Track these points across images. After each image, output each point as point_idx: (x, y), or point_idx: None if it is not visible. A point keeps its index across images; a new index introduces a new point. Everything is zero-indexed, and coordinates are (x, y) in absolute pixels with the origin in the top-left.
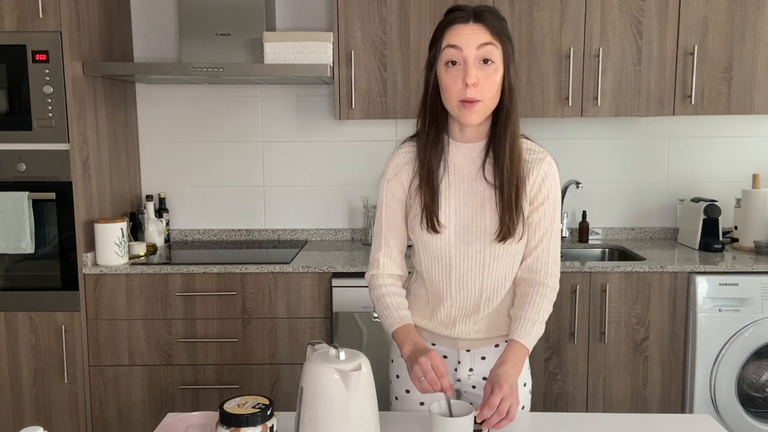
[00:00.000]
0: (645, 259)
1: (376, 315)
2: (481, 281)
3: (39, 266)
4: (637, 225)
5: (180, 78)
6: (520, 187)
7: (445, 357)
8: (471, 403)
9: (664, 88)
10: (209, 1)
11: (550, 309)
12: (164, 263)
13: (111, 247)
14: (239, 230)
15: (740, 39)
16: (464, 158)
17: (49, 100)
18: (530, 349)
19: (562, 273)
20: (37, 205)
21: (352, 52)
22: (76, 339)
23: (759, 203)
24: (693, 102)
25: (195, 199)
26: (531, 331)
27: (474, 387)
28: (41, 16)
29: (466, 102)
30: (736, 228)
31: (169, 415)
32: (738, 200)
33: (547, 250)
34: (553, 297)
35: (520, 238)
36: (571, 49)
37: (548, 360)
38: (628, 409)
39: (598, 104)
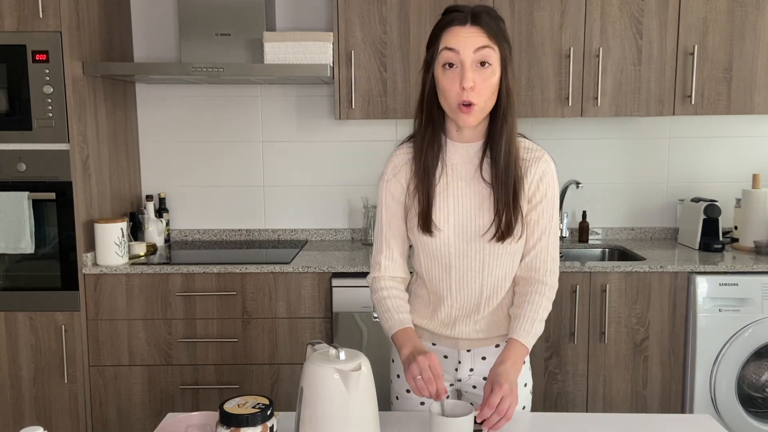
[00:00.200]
0: (645, 259)
1: (376, 315)
2: (481, 280)
3: (39, 266)
4: (637, 225)
5: (180, 78)
6: (518, 186)
7: (445, 357)
8: (471, 404)
9: (664, 88)
10: (209, 1)
11: (550, 307)
12: (164, 263)
13: (111, 247)
14: (239, 230)
15: (740, 39)
16: (462, 158)
17: (49, 100)
18: (530, 348)
19: (562, 273)
20: (37, 205)
21: (352, 52)
22: (76, 339)
23: (759, 203)
24: (693, 102)
25: (195, 199)
26: (530, 330)
27: (474, 387)
28: (41, 16)
29: (463, 105)
30: (736, 228)
31: (169, 415)
32: (738, 200)
33: (546, 248)
34: (553, 295)
35: (519, 237)
36: (571, 49)
37: (548, 360)
38: (628, 409)
39: (598, 104)
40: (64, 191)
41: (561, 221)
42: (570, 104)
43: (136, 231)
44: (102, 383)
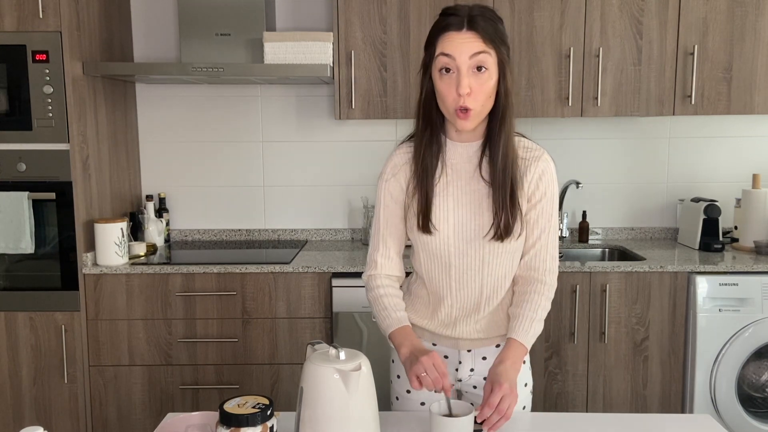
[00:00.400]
0: (645, 259)
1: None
2: (481, 280)
3: (39, 266)
4: (637, 225)
5: (180, 78)
6: (516, 186)
7: (446, 357)
8: (472, 404)
9: (664, 88)
10: (209, 1)
11: (549, 307)
12: (164, 263)
13: (111, 247)
14: (239, 230)
15: (740, 39)
16: (461, 157)
17: (49, 100)
18: (529, 348)
19: (562, 273)
20: (37, 205)
21: (352, 52)
22: (76, 339)
23: (759, 203)
24: (693, 102)
25: (195, 199)
26: (529, 330)
27: (475, 387)
28: (41, 16)
29: (460, 111)
30: (736, 228)
31: (169, 415)
32: (738, 200)
33: (545, 247)
34: (552, 294)
35: (519, 236)
36: (571, 49)
37: (548, 360)
38: (628, 409)
39: (598, 104)
40: (64, 191)
41: (561, 221)
42: (570, 104)
43: (136, 231)
44: (102, 383)
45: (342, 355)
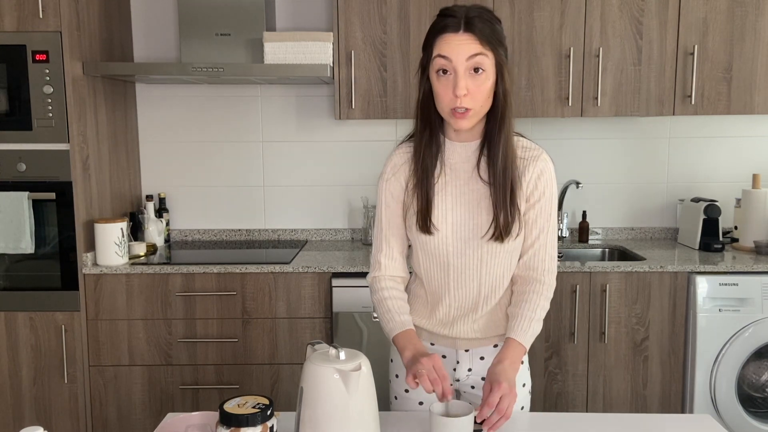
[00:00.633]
0: (645, 259)
1: (376, 316)
2: (479, 279)
3: (39, 266)
4: (637, 225)
5: (180, 78)
6: (515, 186)
7: (444, 357)
8: (470, 404)
9: (664, 88)
10: (209, 1)
11: (547, 306)
12: (164, 263)
13: (111, 247)
14: (239, 230)
15: (740, 39)
16: (460, 157)
17: (49, 100)
18: (527, 348)
19: (562, 273)
20: (37, 205)
21: (352, 52)
22: (76, 339)
23: (759, 203)
24: (693, 102)
25: (195, 199)
26: (528, 330)
27: (473, 387)
28: (41, 16)
29: (457, 112)
30: (736, 228)
31: (169, 415)
32: (738, 200)
33: (544, 246)
34: (550, 294)
35: (517, 236)
36: (571, 49)
37: (548, 360)
38: (628, 409)
39: (598, 104)
40: (64, 191)
41: (561, 221)
42: (570, 104)
43: (136, 231)
44: (102, 383)
45: (342, 355)
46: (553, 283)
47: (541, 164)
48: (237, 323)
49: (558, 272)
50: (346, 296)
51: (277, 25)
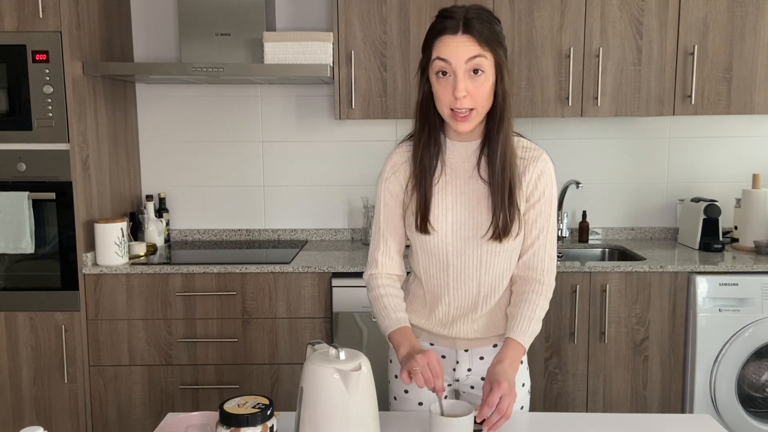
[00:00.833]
0: (645, 259)
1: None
2: (478, 278)
3: (39, 266)
4: (637, 225)
5: (180, 78)
6: (514, 186)
7: (443, 357)
8: (470, 404)
9: (664, 88)
10: (209, 1)
11: (547, 306)
12: (164, 263)
13: (111, 247)
14: (239, 230)
15: (740, 39)
16: (460, 156)
17: (49, 100)
18: (527, 348)
19: (562, 273)
20: (37, 205)
21: (352, 52)
22: (76, 339)
23: (759, 203)
24: (693, 102)
25: (195, 199)
26: (527, 329)
27: (472, 387)
28: (41, 16)
29: (457, 114)
30: (736, 228)
31: (169, 415)
32: (738, 200)
33: (544, 246)
34: (550, 294)
35: (517, 235)
36: (571, 49)
37: (548, 360)
38: (628, 409)
39: (598, 104)
40: (64, 191)
41: (561, 221)
42: (570, 104)
43: (136, 231)
44: (102, 383)
45: (342, 355)
46: (553, 283)
47: (541, 164)
48: (237, 323)
49: (558, 272)
50: (346, 296)
51: (277, 25)
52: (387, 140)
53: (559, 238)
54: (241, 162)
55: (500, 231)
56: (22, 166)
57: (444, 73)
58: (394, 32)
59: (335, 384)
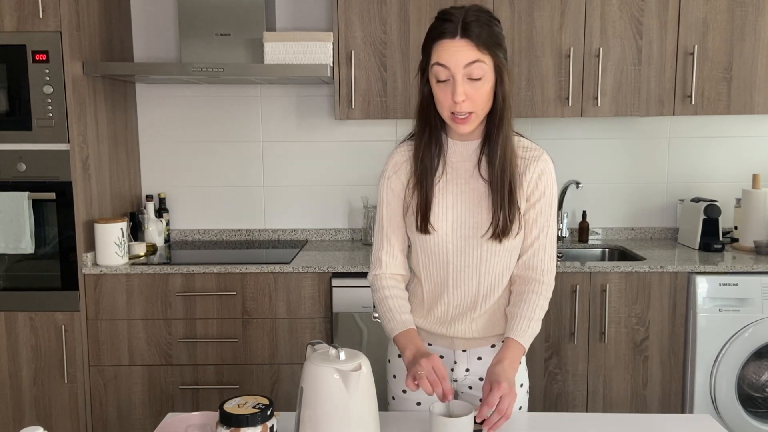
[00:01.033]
0: (645, 259)
1: (376, 315)
2: (478, 277)
3: (39, 266)
4: (637, 225)
5: (180, 78)
6: (514, 186)
7: (441, 357)
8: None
9: (664, 88)
10: (209, 1)
11: (546, 306)
12: (164, 263)
13: (111, 247)
14: (239, 230)
15: (740, 39)
16: (461, 156)
17: (49, 100)
18: (527, 348)
19: (562, 273)
20: (37, 205)
21: (352, 52)
22: (76, 339)
23: (759, 203)
24: (693, 102)
25: (195, 199)
26: (527, 329)
27: (470, 388)
28: (41, 16)
29: (457, 117)
30: (736, 228)
31: (169, 415)
32: (738, 200)
33: (544, 246)
34: (549, 294)
35: (517, 234)
36: (571, 49)
37: (548, 360)
38: (628, 409)
39: (598, 104)
40: (64, 191)
41: (561, 221)
42: (570, 104)
43: (136, 231)
44: (102, 383)
45: (342, 355)
46: (552, 283)
47: (542, 164)
48: (237, 323)
49: (558, 272)
50: (346, 296)
51: (277, 25)
52: (387, 140)
53: (559, 238)
54: (241, 162)
55: (500, 230)
56: (22, 166)
57: (443, 78)
58: (394, 32)
59: (335, 384)
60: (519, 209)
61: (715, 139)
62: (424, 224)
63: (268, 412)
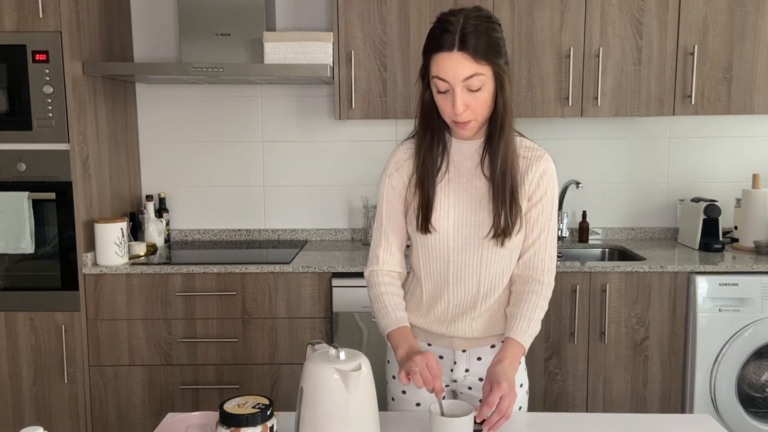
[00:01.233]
0: (645, 259)
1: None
2: (478, 276)
3: (39, 266)
4: (637, 225)
5: (180, 78)
6: (516, 187)
7: (441, 357)
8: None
9: (664, 88)
10: (209, 1)
11: (546, 306)
12: (164, 263)
13: (111, 247)
14: (239, 230)
15: (740, 39)
16: (464, 155)
17: (49, 100)
18: (527, 348)
19: (562, 273)
20: (37, 205)
21: (352, 52)
22: (76, 339)
23: (759, 203)
24: (693, 102)
25: (195, 199)
26: (527, 329)
27: (470, 388)
28: (41, 16)
29: (458, 123)
30: (736, 228)
31: (169, 415)
32: (738, 200)
33: (544, 246)
34: (549, 294)
35: (518, 233)
36: (571, 49)
37: (548, 360)
38: (628, 409)
39: (598, 104)
40: (64, 191)
41: (561, 221)
42: (570, 104)
43: (136, 231)
44: (102, 383)
45: (342, 355)
46: (552, 283)
47: (543, 164)
48: (237, 323)
49: (558, 272)
50: (346, 296)
51: (277, 25)
52: (387, 140)
53: (559, 238)
54: (241, 162)
55: (501, 231)
56: (22, 166)
57: (443, 89)
58: (394, 32)
59: (335, 384)
60: (521, 209)
61: (715, 139)
62: (425, 224)
63: (268, 412)
